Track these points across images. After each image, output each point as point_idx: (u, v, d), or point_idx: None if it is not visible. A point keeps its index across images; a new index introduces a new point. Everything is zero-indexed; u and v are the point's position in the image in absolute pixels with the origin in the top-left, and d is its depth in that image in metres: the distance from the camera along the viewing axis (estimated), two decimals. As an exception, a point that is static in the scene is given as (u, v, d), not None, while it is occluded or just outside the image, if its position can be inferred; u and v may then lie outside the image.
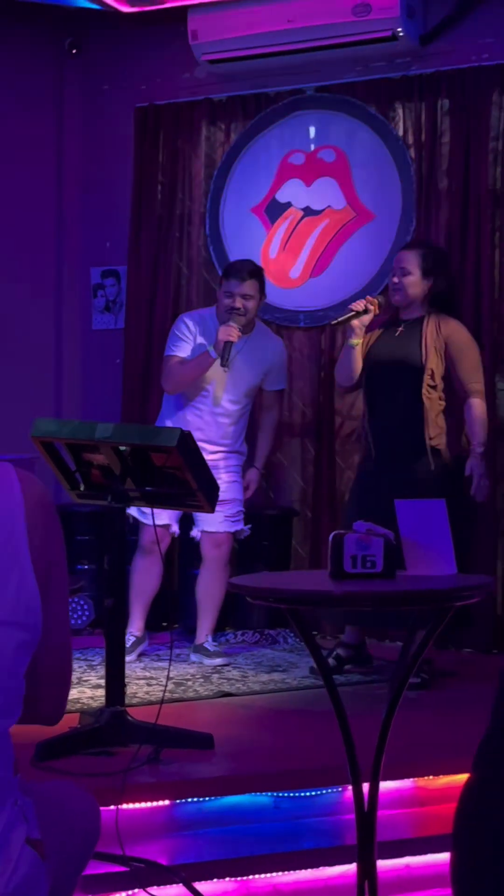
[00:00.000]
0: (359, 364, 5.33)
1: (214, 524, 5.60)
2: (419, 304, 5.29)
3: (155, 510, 5.22)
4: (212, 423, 5.66)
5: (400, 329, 5.30)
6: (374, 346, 5.34)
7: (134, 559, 5.65)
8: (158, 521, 5.39)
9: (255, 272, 5.69)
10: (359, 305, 5.31)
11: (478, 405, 5.22)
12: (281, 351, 5.95)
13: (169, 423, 5.60)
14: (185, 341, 5.66)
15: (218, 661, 5.55)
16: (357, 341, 5.31)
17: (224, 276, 5.70)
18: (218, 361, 5.48)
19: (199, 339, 5.64)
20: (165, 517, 5.53)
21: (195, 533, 5.71)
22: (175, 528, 5.69)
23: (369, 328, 5.37)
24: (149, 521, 5.38)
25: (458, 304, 5.53)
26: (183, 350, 5.64)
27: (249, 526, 5.81)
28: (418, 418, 5.16)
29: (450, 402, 5.30)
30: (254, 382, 5.76)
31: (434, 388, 5.19)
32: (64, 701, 2.02)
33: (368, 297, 5.37)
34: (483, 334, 6.07)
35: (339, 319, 5.39)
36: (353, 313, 5.31)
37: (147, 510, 5.17)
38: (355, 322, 5.31)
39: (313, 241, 6.62)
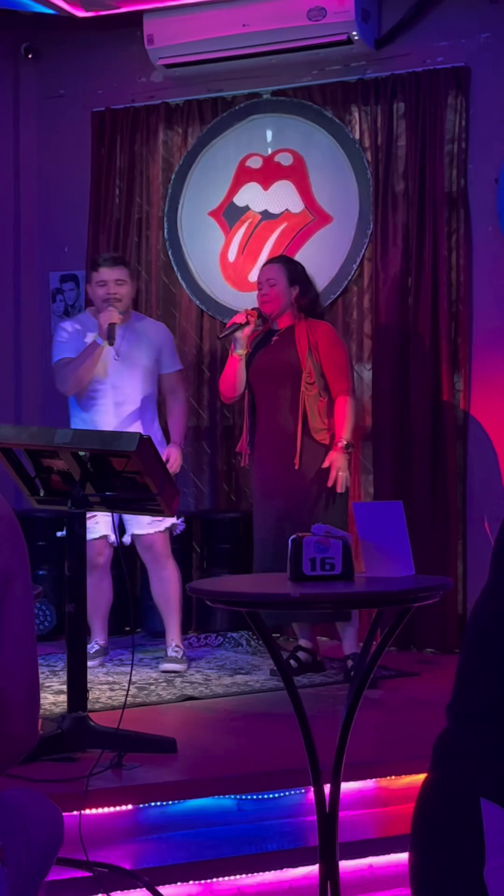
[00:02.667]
0: (244, 374, 5.55)
1: (143, 526, 5.55)
2: (289, 312, 5.54)
3: (89, 525, 5.22)
4: (119, 416, 5.62)
5: (275, 338, 5.55)
6: (254, 358, 5.56)
7: None
8: (95, 535, 5.36)
9: (122, 259, 5.83)
10: (240, 318, 5.55)
11: (344, 402, 5.43)
12: (165, 331, 5.92)
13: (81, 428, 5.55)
14: (67, 343, 5.64)
15: (169, 666, 5.50)
16: (243, 351, 5.54)
17: (92, 269, 5.69)
18: (109, 353, 5.52)
19: (84, 338, 5.61)
20: (102, 528, 5.43)
21: (127, 539, 5.61)
22: (113, 538, 5.55)
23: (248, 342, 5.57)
24: (87, 537, 5.34)
25: (323, 312, 5.88)
26: (67, 351, 5.62)
27: (182, 519, 5.72)
28: (301, 417, 5.39)
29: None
30: (148, 366, 5.70)
31: (312, 384, 5.42)
32: (35, 720, 1.95)
33: (247, 309, 5.59)
34: (441, 336, 6.12)
35: (224, 334, 5.68)
36: (236, 326, 5.54)
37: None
38: (238, 334, 5.54)
39: (272, 244, 6.63)
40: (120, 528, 5.58)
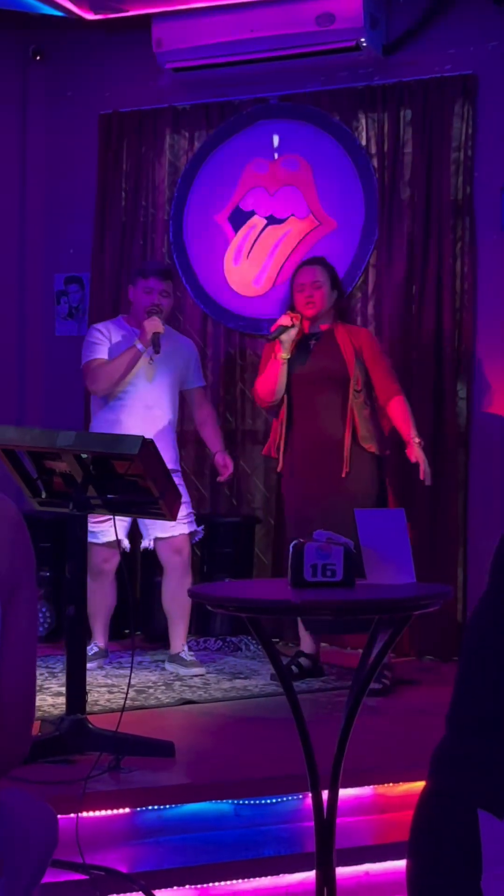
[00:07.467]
0: (285, 379, 5.44)
1: (168, 529, 5.53)
2: (327, 315, 5.47)
3: (103, 528, 5.26)
4: (147, 420, 5.63)
5: (313, 342, 5.46)
6: (293, 364, 5.43)
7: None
8: (108, 539, 5.38)
9: (170, 273, 5.90)
10: (286, 320, 5.39)
11: (401, 401, 5.38)
12: (193, 346, 5.99)
13: (104, 428, 5.59)
14: (101, 344, 5.69)
15: (195, 670, 5.53)
16: (287, 355, 5.41)
17: (141, 276, 5.72)
18: (144, 357, 5.56)
19: (115, 341, 5.68)
20: (113, 534, 5.33)
21: (147, 543, 5.63)
22: (125, 544, 5.61)
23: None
24: (98, 541, 5.35)
25: (351, 315, 5.99)
26: (101, 352, 5.67)
27: (203, 527, 5.79)
28: (346, 425, 5.32)
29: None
30: (176, 376, 5.77)
31: (360, 391, 5.36)
32: (26, 736, 1.89)
33: (290, 313, 5.43)
34: (445, 343, 6.13)
35: (272, 336, 5.46)
36: (283, 328, 5.39)
37: (95, 530, 5.15)
38: (284, 337, 5.40)
39: (276, 249, 6.64)
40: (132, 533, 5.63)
